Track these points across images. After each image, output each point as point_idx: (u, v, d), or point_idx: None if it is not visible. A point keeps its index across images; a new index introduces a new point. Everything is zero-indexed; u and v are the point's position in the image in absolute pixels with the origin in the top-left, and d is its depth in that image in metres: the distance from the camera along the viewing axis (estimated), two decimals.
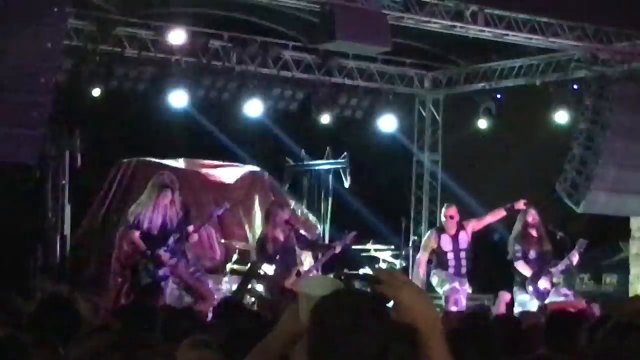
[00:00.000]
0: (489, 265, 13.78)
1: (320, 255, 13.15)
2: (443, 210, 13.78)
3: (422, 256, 13.53)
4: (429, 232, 14.29)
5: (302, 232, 13.26)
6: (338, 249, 12.80)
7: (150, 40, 14.36)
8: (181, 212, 12.05)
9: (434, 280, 13.37)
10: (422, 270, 13.42)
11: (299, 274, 12.57)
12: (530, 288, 12.95)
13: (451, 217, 13.45)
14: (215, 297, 12.00)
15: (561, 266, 13.02)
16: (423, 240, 14.22)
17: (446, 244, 13.39)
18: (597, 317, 8.72)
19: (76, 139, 13.43)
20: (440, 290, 13.31)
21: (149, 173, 13.18)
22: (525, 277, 13.07)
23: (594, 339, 4.78)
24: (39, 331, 5.23)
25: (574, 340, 5.96)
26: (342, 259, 13.44)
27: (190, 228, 12.14)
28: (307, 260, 14.22)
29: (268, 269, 12.37)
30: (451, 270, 13.29)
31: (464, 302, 13.14)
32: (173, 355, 4.31)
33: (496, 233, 13.95)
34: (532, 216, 13.23)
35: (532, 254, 13.14)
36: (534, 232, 13.19)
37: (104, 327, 5.51)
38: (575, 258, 13.09)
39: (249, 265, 12.92)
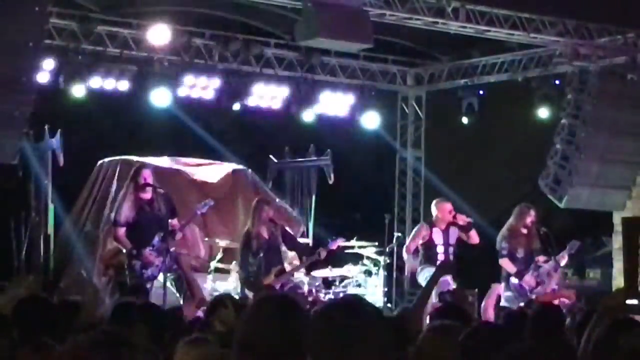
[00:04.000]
0: (472, 262, 13.78)
1: (304, 259, 13.11)
2: (438, 204, 13.45)
3: (411, 244, 13.44)
4: (420, 224, 14.23)
5: (289, 230, 13.24)
6: (323, 255, 12.78)
7: (132, 38, 14.33)
8: (164, 208, 11.94)
9: (423, 276, 13.26)
10: (411, 257, 13.35)
11: (280, 273, 12.52)
12: (515, 280, 12.94)
13: (449, 212, 13.33)
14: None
15: (548, 266, 12.98)
16: (413, 231, 14.11)
17: (437, 237, 13.34)
18: (582, 312, 8.77)
19: (58, 138, 13.39)
20: None
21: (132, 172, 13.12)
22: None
23: (582, 333, 4.81)
24: (24, 326, 5.23)
25: (557, 333, 6.00)
26: (327, 255, 13.44)
27: (174, 222, 11.98)
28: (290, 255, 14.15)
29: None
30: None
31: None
32: (157, 354, 4.32)
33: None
34: (531, 218, 13.12)
35: (520, 253, 13.04)
36: (524, 231, 13.12)
37: (91, 326, 5.51)
38: (564, 260, 13.06)
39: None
